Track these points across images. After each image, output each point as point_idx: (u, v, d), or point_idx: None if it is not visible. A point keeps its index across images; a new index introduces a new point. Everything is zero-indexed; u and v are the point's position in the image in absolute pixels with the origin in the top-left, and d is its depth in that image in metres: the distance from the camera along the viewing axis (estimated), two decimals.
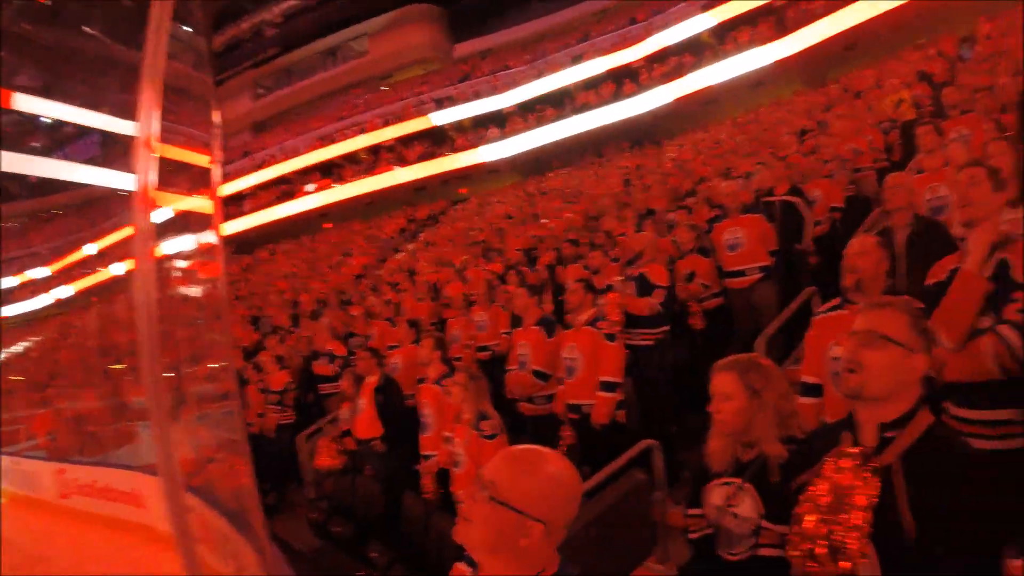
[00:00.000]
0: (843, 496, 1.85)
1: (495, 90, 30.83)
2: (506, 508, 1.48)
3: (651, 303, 6.07)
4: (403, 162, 31.70)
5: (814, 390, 3.28)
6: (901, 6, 20.61)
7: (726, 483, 2.49)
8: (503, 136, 29.45)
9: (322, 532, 6.32)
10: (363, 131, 33.62)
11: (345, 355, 8.97)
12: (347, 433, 6.80)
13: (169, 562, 1.62)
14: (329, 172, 34.01)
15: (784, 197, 7.04)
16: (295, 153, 35.31)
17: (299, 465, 8.23)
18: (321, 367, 9.14)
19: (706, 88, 24.75)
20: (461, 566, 1.78)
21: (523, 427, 6.05)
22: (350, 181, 32.79)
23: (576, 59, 29.44)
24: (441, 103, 32.12)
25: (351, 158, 33.75)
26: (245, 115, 40.29)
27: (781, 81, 23.49)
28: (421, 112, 32.31)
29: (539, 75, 29.90)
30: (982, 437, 2.44)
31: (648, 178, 14.95)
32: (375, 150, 33.20)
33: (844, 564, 1.82)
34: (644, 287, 6.16)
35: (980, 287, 2.63)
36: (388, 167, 31.90)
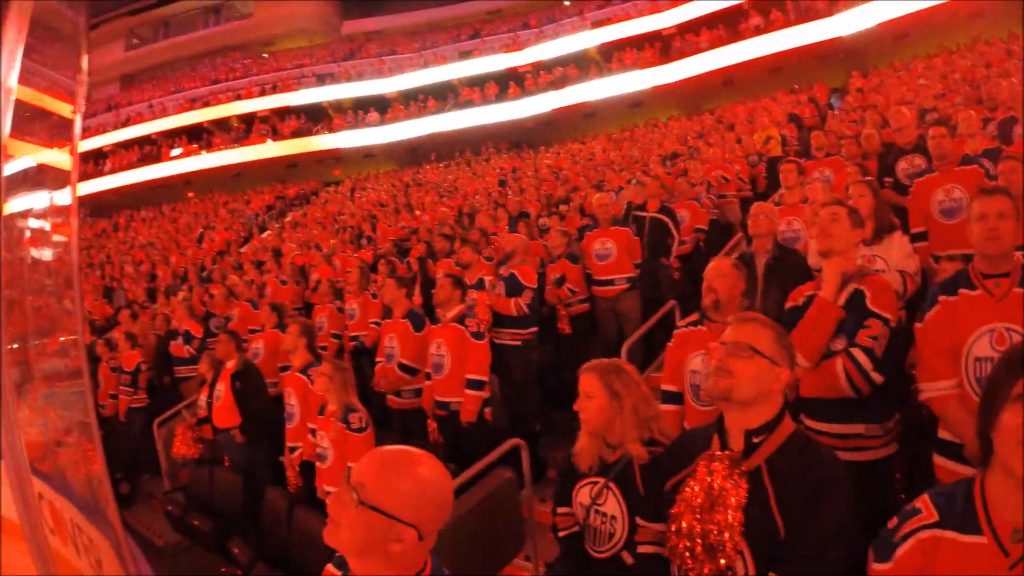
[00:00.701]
0: (716, 497, 1.96)
1: (380, 73, 30.39)
2: (377, 513, 1.42)
3: (518, 304, 6.13)
4: (276, 136, 30.52)
5: (674, 398, 3.46)
6: (781, 53, 22.10)
7: (592, 482, 2.58)
8: (383, 121, 29.05)
9: (180, 526, 5.95)
10: (238, 98, 32.12)
11: (203, 336, 8.51)
12: (205, 420, 6.45)
13: (19, 554, 1.45)
14: (198, 137, 32.10)
15: (654, 214, 7.30)
16: (163, 113, 33.13)
17: (155, 453, 7.67)
18: (177, 348, 8.54)
19: (587, 102, 25.45)
20: (331, 568, 1.70)
21: (389, 421, 5.96)
22: (219, 149, 31.13)
23: (465, 55, 29.57)
24: (323, 79, 31.30)
25: (222, 125, 32.10)
26: (115, 65, 37.37)
27: (659, 105, 24.51)
28: (301, 85, 31.35)
29: (425, 65, 29.76)
30: (835, 449, 2.57)
31: (524, 181, 15.12)
32: (249, 119, 31.69)
33: (720, 561, 1.92)
34: (514, 287, 6.22)
35: (834, 313, 2.89)
36: (261, 139, 30.55)
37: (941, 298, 2.67)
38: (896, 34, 21.10)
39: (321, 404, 4.73)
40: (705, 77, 23.69)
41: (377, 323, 7.24)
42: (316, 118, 30.72)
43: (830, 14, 21.66)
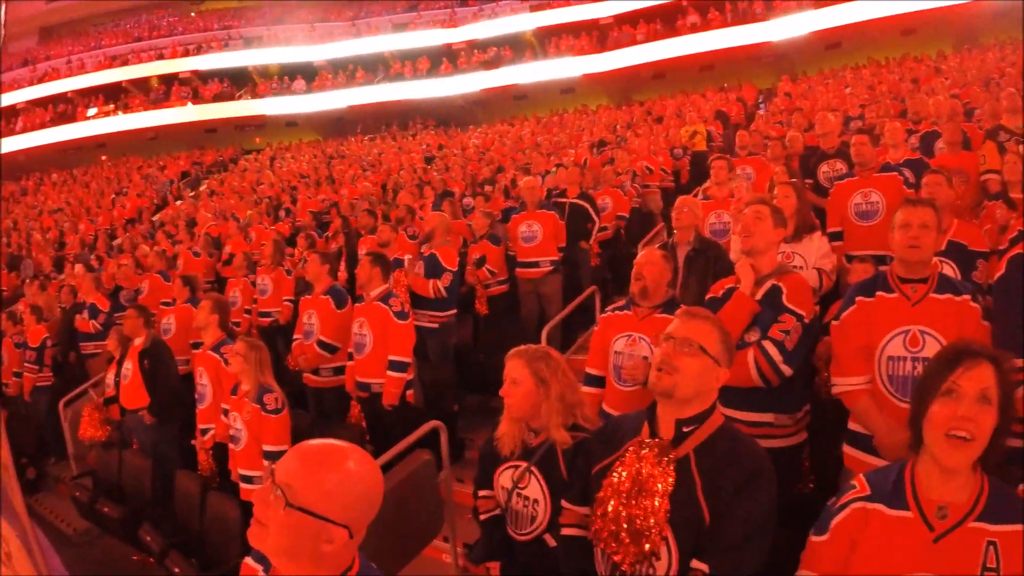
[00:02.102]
0: (643, 483, 1.97)
1: (309, 40, 29.54)
2: (306, 514, 1.33)
3: (436, 286, 6.06)
4: (197, 99, 29.33)
5: (597, 381, 3.53)
6: (714, 51, 22.60)
7: (514, 466, 2.60)
8: (309, 90, 28.31)
9: (89, 513, 5.59)
10: (160, 57, 30.64)
11: (110, 311, 8.00)
12: (112, 400, 6.10)
13: None
14: (116, 97, 30.49)
15: (574, 200, 7.35)
16: (82, 70, 31.41)
17: (61, 435, 7.25)
18: (83, 323, 8.00)
19: (519, 84, 25.38)
20: (250, 562, 1.60)
21: (304, 400, 5.79)
22: (136, 111, 29.66)
23: (399, 27, 28.98)
24: (250, 43, 30.28)
25: (142, 85, 30.64)
26: (35, 17, 35.21)
27: (590, 92, 24.69)
28: (228, 48, 30.21)
29: (358, 34, 29.13)
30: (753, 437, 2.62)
31: (450, 160, 15.01)
32: (169, 80, 30.29)
33: (645, 547, 1.95)
34: (434, 268, 6.15)
35: (750, 307, 3.02)
36: (181, 101, 29.23)
37: (858, 299, 2.77)
38: (828, 43, 21.86)
39: (234, 383, 4.53)
40: (638, 69, 23.97)
41: (291, 300, 7.06)
42: (240, 83, 29.67)
43: (766, 18, 22.24)
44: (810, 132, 8.45)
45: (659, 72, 23.97)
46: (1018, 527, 1.59)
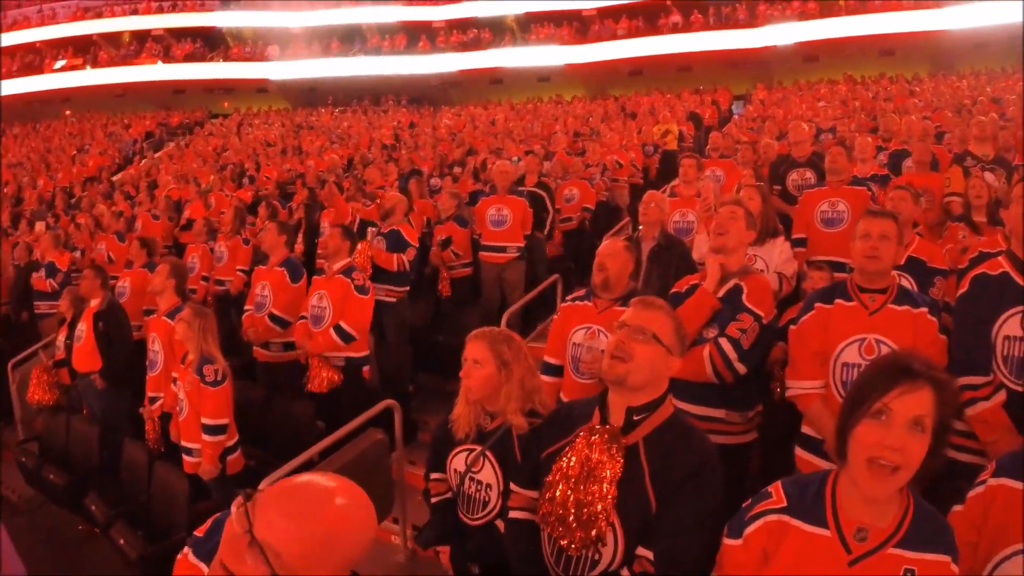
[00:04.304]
0: (592, 469, 1.98)
1: (287, 6, 28.91)
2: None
3: (401, 259, 6.02)
4: (168, 57, 28.63)
5: (554, 370, 3.53)
6: (693, 53, 22.88)
7: (468, 449, 2.56)
8: (283, 56, 27.83)
9: (34, 479, 5.45)
10: (135, 12, 29.83)
11: (67, 270, 7.78)
12: (63, 363, 5.88)
13: None
14: (85, 51, 29.66)
15: (532, 188, 7.36)
16: (53, 20, 30.48)
17: (8, 398, 6.97)
18: (39, 281, 7.74)
19: (497, 68, 25.26)
20: (190, 556, 1.47)
21: (254, 374, 5.66)
22: (105, 66, 28.88)
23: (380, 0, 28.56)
24: (227, 3, 29.57)
25: (113, 40, 29.83)
26: None
27: (566, 83, 24.67)
28: (203, 8, 29.48)
29: (337, 4, 28.58)
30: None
31: (421, 138, 14.89)
32: (142, 37, 29.57)
33: (592, 532, 1.95)
34: (397, 243, 6.10)
35: (711, 303, 3.06)
36: (151, 59, 28.52)
37: (817, 305, 2.83)
38: (807, 56, 22.22)
39: (185, 351, 4.41)
40: (616, 63, 24.08)
41: (245, 270, 6.93)
42: (213, 44, 29.07)
43: (749, 26, 22.53)
44: (781, 140, 8.53)
45: (637, 69, 24.08)
46: (940, 556, 1.54)
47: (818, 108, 13.51)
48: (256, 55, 28.20)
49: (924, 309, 2.69)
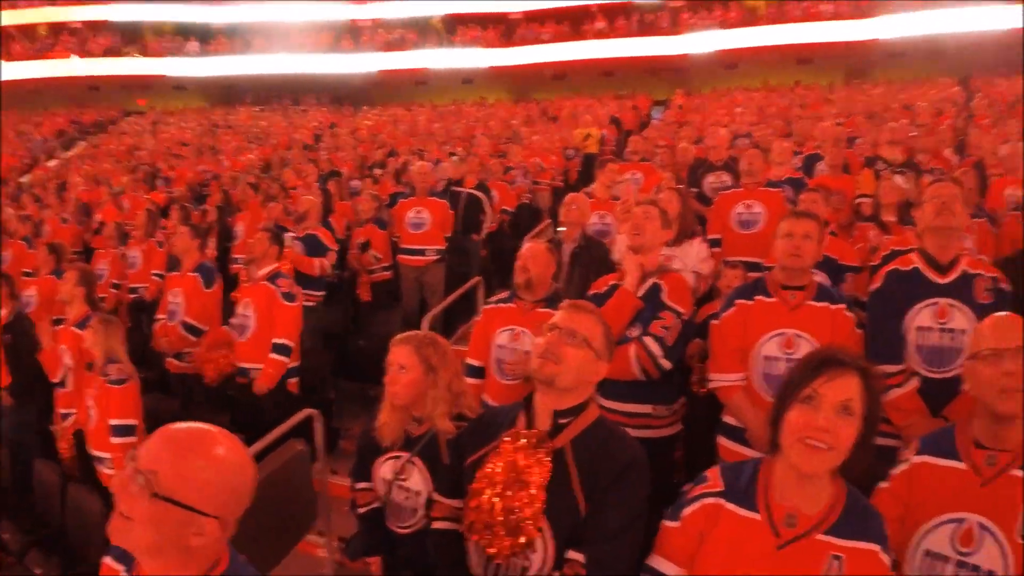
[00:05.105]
0: (519, 474, 1.97)
1: (209, 0, 28.07)
2: (173, 504, 1.22)
3: (322, 263, 5.92)
4: (84, 52, 27.32)
5: (478, 372, 3.55)
6: (616, 59, 23.29)
7: (395, 457, 2.52)
8: (202, 53, 26.99)
9: None
10: (51, 3, 28.39)
11: None
12: None
13: None
14: None
15: (472, 190, 7.31)
16: None
17: None
18: None
19: (420, 69, 25.11)
20: (110, 562, 1.46)
21: (168, 386, 5.43)
22: (17, 60, 27.16)
23: None
24: None
25: (28, 32, 28.37)
26: None
27: (490, 86, 24.70)
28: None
29: (259, 0, 27.87)
30: (624, 427, 2.65)
31: (341, 139, 14.68)
32: (58, 30, 28.22)
33: (521, 538, 1.95)
34: (314, 247, 5.98)
35: (633, 303, 3.14)
36: (65, 53, 27.18)
37: (738, 301, 2.96)
38: (727, 63, 22.77)
39: (91, 360, 4.18)
40: (540, 67, 24.23)
41: (160, 275, 6.60)
42: (130, 39, 27.88)
43: (671, 33, 23.03)
44: (699, 145, 8.70)
45: (560, 73, 24.30)
46: (868, 545, 1.60)
47: (735, 114, 13.81)
48: (175, 50, 27.24)
49: (842, 306, 2.85)
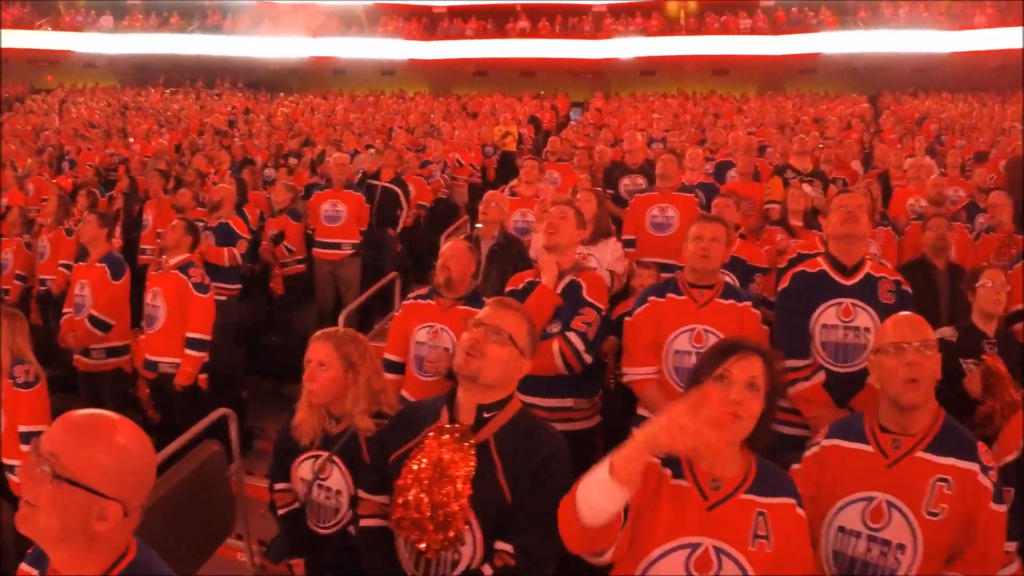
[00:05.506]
0: (445, 468, 2.01)
1: None
2: (75, 487, 1.23)
3: (232, 253, 5.77)
4: None
5: (396, 367, 3.54)
6: (537, 59, 23.63)
7: (315, 456, 2.49)
8: (116, 29, 25.76)
9: None
10: None
11: None
12: None
13: None
14: None
15: (388, 184, 7.21)
16: None
17: None
18: None
19: (340, 58, 24.78)
20: (25, 567, 1.43)
21: (75, 383, 5.15)
22: None
23: None
24: None
25: None
26: None
27: (410, 78, 24.53)
28: None
29: None
30: (547, 420, 2.71)
31: (255, 126, 14.34)
32: None
33: (450, 532, 1.99)
34: (226, 237, 5.82)
35: (553, 300, 3.22)
36: None
37: (651, 299, 3.10)
38: (645, 70, 23.39)
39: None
40: (462, 63, 24.27)
41: (68, 266, 6.20)
42: (43, 11, 26.34)
43: (592, 37, 23.50)
44: (616, 148, 8.85)
45: (481, 70, 24.39)
46: (785, 499, 1.78)
47: (652, 119, 14.12)
48: (88, 25, 25.93)
49: (748, 303, 3.04)
